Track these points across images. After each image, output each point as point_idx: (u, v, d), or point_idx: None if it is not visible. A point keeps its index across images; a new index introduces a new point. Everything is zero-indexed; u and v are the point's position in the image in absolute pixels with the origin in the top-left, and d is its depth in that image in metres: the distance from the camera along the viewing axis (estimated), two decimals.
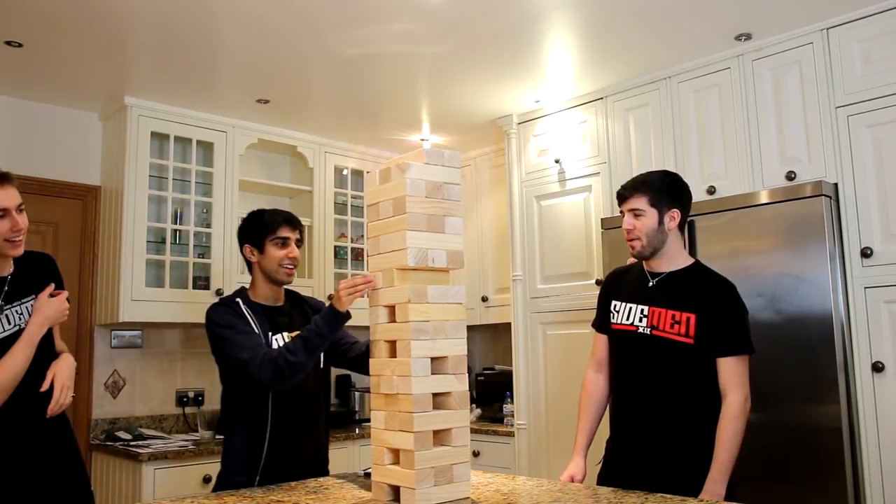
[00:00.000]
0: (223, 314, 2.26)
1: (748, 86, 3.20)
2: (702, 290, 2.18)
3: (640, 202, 2.21)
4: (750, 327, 2.18)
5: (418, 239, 1.82)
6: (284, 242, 2.35)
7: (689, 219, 3.02)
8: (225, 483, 2.24)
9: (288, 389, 2.22)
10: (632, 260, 2.39)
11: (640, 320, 2.22)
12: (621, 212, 2.29)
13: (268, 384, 2.14)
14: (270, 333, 2.28)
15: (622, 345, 2.29)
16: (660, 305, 2.20)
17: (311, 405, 2.36)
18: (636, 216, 2.22)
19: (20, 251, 2.08)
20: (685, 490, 1.97)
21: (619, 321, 2.29)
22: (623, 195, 2.27)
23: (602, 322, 2.40)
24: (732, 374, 2.11)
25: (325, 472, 2.38)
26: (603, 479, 2.25)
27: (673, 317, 2.16)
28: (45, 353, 2.15)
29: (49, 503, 2.11)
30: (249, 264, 2.41)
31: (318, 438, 2.39)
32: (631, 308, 2.26)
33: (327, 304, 2.19)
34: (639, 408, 2.23)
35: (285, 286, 2.42)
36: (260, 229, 2.37)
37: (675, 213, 2.23)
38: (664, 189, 2.23)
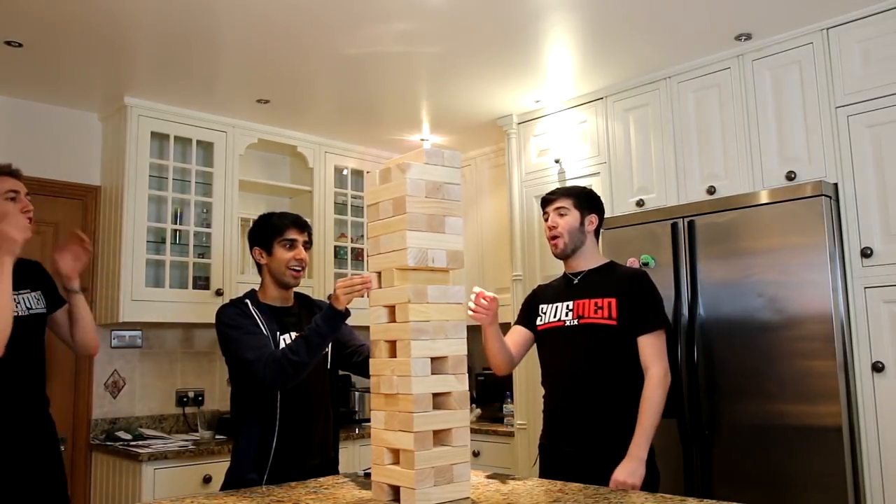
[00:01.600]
0: (232, 315, 2.29)
1: (748, 86, 3.20)
2: (618, 279, 2.40)
3: (566, 202, 2.46)
4: (664, 307, 2.40)
5: (418, 239, 1.82)
6: (292, 244, 2.37)
7: (689, 219, 3.08)
8: (234, 480, 2.25)
9: (296, 389, 2.23)
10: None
11: (567, 314, 2.41)
12: (545, 215, 2.49)
13: (272, 383, 2.16)
14: (279, 333, 2.31)
15: (551, 341, 2.45)
16: (583, 297, 2.39)
17: (318, 404, 2.38)
18: (561, 214, 2.45)
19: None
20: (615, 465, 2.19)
21: (546, 321, 2.47)
22: (550, 198, 2.50)
23: (528, 320, 2.54)
24: (652, 349, 2.30)
25: (335, 472, 2.39)
26: (542, 476, 2.33)
27: (596, 304, 2.36)
28: (36, 348, 2.20)
29: (25, 500, 2.14)
30: (259, 266, 2.43)
31: (326, 437, 2.40)
32: (557, 307, 2.44)
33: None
34: (570, 395, 2.36)
35: (293, 289, 2.43)
36: (268, 231, 2.40)
37: (594, 219, 2.49)
38: (585, 197, 2.50)
